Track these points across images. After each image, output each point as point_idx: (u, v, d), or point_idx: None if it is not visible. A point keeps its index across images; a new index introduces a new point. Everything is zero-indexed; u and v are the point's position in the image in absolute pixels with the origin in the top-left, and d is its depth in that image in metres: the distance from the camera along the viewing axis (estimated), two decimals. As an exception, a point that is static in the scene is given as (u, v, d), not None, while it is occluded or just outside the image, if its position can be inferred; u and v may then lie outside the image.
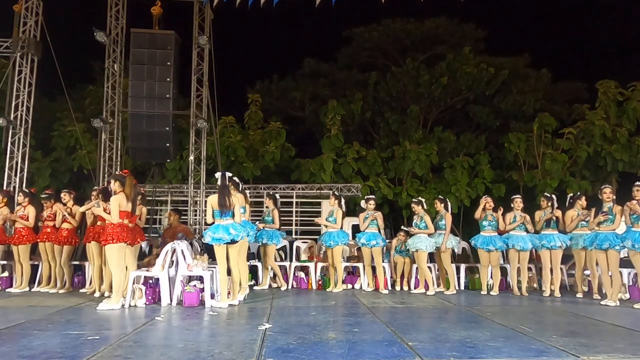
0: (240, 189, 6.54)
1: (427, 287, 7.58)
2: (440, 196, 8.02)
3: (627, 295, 7.10)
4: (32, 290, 7.35)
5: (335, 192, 8.32)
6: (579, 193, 7.59)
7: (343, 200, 8.06)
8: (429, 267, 7.62)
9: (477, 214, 7.69)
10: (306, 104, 20.32)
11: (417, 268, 7.93)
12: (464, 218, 16.66)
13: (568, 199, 7.52)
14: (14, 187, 9.53)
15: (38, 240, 7.38)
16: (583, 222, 7.20)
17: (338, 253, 7.68)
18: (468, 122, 19.95)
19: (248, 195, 6.91)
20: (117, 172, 6.81)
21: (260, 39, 25.91)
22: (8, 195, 8.09)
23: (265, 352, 3.61)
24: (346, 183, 15.38)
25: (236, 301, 6.05)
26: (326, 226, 7.92)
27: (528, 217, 7.52)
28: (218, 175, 6.11)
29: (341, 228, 7.84)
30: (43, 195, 7.57)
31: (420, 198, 7.98)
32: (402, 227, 8.39)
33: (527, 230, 7.46)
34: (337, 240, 7.64)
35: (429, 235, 7.60)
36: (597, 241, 6.53)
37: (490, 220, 7.55)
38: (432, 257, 7.97)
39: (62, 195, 7.40)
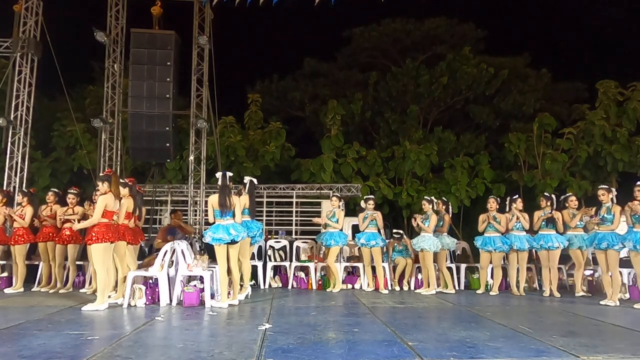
0: (247, 189, 6.52)
1: (422, 285, 7.64)
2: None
3: (627, 295, 7.10)
4: (32, 290, 7.36)
5: (337, 194, 8.31)
6: (568, 194, 7.61)
7: (343, 202, 8.07)
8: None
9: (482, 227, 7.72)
10: (306, 104, 20.33)
11: (418, 267, 7.95)
12: (464, 218, 16.68)
13: (561, 201, 7.53)
14: (14, 187, 9.54)
15: (37, 240, 7.39)
16: (579, 223, 7.21)
17: (333, 253, 7.68)
18: (468, 122, 19.97)
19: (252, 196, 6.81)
20: (100, 174, 6.79)
21: (260, 39, 25.96)
22: (8, 196, 8.09)
23: (265, 352, 3.61)
24: (346, 183, 15.39)
25: (236, 301, 6.05)
26: (325, 226, 7.90)
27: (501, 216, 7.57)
28: (219, 175, 6.10)
29: (341, 229, 7.85)
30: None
31: (432, 197, 7.99)
32: (394, 233, 8.38)
33: (525, 230, 7.48)
34: (338, 240, 7.65)
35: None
36: (595, 241, 6.55)
37: (492, 222, 7.55)
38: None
39: (69, 197, 7.34)
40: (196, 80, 11.01)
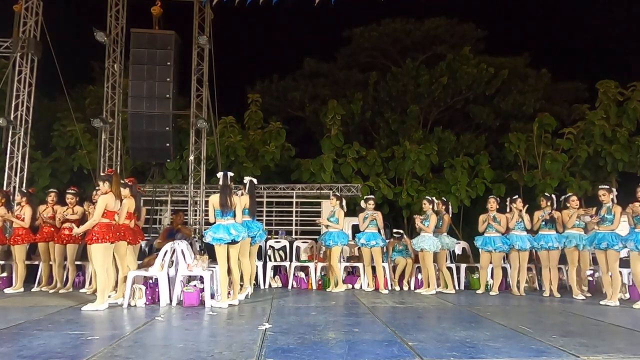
0: (247, 189, 6.53)
1: (422, 285, 7.64)
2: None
3: (627, 295, 7.10)
4: (32, 290, 7.36)
5: (337, 193, 8.29)
6: (569, 194, 7.56)
7: (344, 201, 8.06)
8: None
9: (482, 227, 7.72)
10: (306, 104, 20.32)
11: (418, 267, 7.96)
12: (464, 218, 16.68)
13: (562, 201, 7.50)
14: (14, 187, 9.54)
15: (37, 240, 7.38)
16: (576, 222, 7.18)
17: (335, 253, 7.68)
18: (468, 122, 19.96)
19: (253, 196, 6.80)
20: (101, 174, 6.79)
21: (260, 39, 25.94)
22: (6, 196, 8.09)
23: (265, 352, 3.61)
24: (346, 183, 15.38)
25: (236, 301, 6.05)
26: (327, 226, 7.91)
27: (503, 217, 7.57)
28: (220, 175, 6.10)
29: (342, 228, 7.85)
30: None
31: (433, 198, 7.99)
32: (395, 233, 8.37)
33: (526, 230, 7.48)
34: (337, 240, 7.64)
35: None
36: (595, 241, 6.55)
37: (492, 223, 7.54)
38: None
39: (68, 197, 7.33)
40: (196, 80, 11.01)
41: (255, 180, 6.70)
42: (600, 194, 6.63)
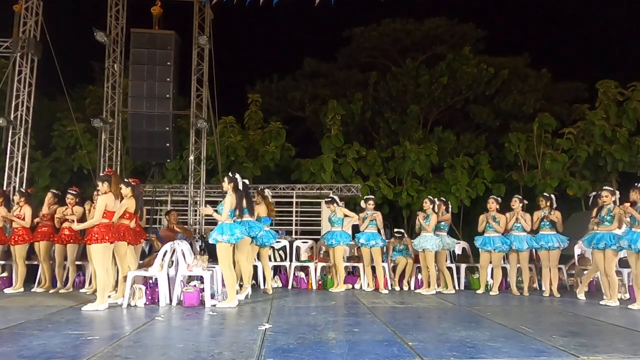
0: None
1: (422, 285, 7.65)
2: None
3: (628, 295, 7.09)
4: (32, 290, 7.35)
5: (329, 197, 8.23)
6: (598, 192, 7.27)
7: (337, 199, 8.01)
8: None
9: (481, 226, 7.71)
10: (306, 104, 20.31)
11: (418, 267, 7.96)
12: (464, 218, 16.68)
13: (592, 198, 7.37)
14: (14, 187, 9.54)
15: (36, 240, 7.37)
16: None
17: (339, 252, 7.69)
18: (468, 122, 19.95)
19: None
20: (100, 174, 6.75)
21: (260, 39, 25.93)
22: (4, 195, 8.08)
23: (265, 352, 3.61)
24: (346, 183, 15.36)
25: (236, 301, 6.05)
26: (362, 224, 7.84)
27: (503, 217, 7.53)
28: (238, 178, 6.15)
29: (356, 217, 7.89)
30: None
31: (435, 199, 7.98)
32: (395, 232, 8.36)
33: (524, 230, 7.47)
34: (339, 240, 7.65)
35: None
36: (594, 241, 6.55)
37: (491, 222, 7.54)
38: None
39: (68, 197, 7.31)
40: (196, 80, 11.01)
41: (247, 181, 6.60)
42: (603, 194, 6.60)
